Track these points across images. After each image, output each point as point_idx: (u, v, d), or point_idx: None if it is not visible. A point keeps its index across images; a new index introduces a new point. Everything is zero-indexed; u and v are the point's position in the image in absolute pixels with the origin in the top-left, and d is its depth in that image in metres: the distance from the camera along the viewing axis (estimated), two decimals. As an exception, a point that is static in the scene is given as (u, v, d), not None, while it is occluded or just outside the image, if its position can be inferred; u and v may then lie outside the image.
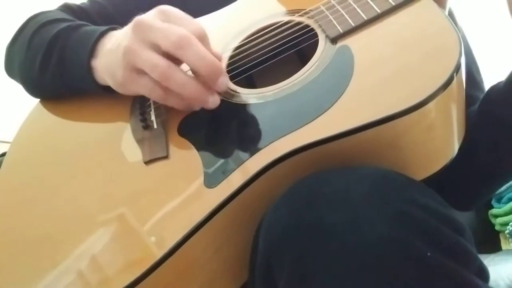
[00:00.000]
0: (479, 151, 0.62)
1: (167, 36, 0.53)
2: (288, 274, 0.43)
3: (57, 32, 0.66)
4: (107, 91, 0.62)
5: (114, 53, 0.57)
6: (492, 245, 1.05)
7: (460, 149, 0.54)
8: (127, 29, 0.57)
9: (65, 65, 0.64)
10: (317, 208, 0.43)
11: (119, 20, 0.73)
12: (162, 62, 0.53)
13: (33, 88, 0.70)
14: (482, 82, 0.76)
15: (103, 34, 0.62)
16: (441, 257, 0.41)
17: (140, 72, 0.55)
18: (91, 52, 0.61)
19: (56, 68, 0.65)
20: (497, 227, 1.05)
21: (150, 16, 0.56)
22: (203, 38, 0.55)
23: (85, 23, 0.68)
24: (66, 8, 0.77)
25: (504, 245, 1.05)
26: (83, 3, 0.79)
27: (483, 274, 0.46)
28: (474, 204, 0.75)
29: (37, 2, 0.98)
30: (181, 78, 0.54)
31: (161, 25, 0.54)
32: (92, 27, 0.65)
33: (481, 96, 0.64)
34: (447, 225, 0.43)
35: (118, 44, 0.57)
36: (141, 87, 0.56)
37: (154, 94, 0.56)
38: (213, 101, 0.55)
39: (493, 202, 1.08)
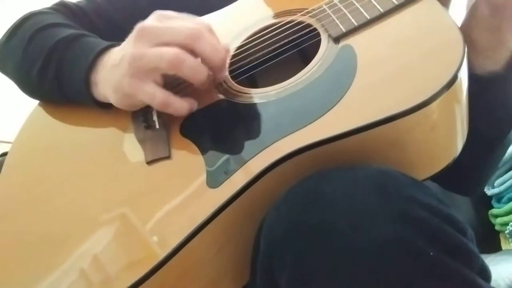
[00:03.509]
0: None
1: (179, 32, 0.54)
2: (289, 274, 0.43)
3: (56, 42, 0.64)
4: (102, 107, 0.61)
5: (119, 66, 0.56)
6: (492, 245, 1.05)
7: None
8: (129, 40, 0.57)
9: (63, 78, 0.63)
10: (318, 207, 0.43)
11: (116, 19, 0.73)
12: (171, 50, 0.53)
13: (32, 93, 0.70)
14: None
15: (103, 50, 0.61)
16: (444, 256, 0.41)
17: (145, 76, 0.55)
18: (91, 66, 0.60)
19: (54, 80, 0.64)
20: (497, 227, 1.05)
21: (152, 21, 0.56)
22: (210, 31, 0.56)
23: (84, 33, 0.66)
24: (63, 6, 0.75)
25: (504, 245, 1.05)
26: (80, 2, 0.78)
27: (485, 274, 0.46)
28: (481, 184, 0.78)
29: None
30: (193, 61, 0.54)
31: (168, 24, 0.55)
32: (92, 40, 0.64)
33: None
34: (450, 225, 0.43)
35: (122, 56, 0.56)
36: (145, 93, 0.55)
37: (157, 99, 0.55)
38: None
39: (493, 202, 1.08)
